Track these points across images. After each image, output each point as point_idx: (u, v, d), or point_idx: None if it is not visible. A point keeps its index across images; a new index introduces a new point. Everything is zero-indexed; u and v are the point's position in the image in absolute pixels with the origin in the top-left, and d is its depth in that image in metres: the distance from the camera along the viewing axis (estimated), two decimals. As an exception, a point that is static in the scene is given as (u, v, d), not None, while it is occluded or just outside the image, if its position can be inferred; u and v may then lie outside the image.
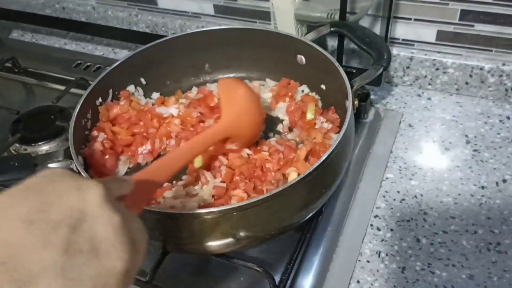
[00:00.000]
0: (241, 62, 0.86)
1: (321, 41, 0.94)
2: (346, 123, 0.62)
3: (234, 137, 0.71)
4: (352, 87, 0.67)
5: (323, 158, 0.57)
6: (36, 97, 1.01)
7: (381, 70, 0.71)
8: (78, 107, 0.71)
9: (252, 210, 0.55)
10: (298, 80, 0.82)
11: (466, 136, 0.81)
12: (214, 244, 0.58)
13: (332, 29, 0.80)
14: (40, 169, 0.62)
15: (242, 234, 0.58)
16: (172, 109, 0.79)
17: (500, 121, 0.83)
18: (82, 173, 0.61)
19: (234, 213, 0.55)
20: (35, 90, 1.03)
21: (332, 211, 0.71)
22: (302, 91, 0.81)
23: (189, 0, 1.03)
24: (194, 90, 0.86)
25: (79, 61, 1.06)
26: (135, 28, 1.11)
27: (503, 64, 0.83)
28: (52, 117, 0.89)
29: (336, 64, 0.71)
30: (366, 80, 0.70)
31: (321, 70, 0.75)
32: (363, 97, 0.83)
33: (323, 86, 0.78)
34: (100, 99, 0.77)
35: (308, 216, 0.64)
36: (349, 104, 0.65)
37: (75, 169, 0.62)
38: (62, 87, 0.94)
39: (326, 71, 0.73)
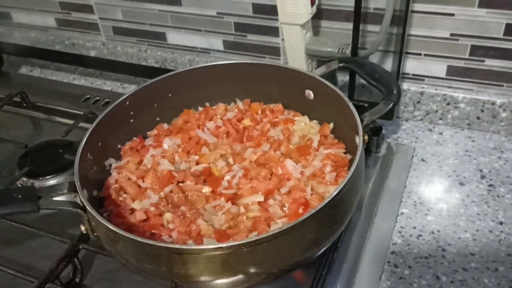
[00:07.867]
0: (248, 96, 0.86)
1: (330, 76, 0.94)
2: (357, 158, 0.61)
3: None
4: (362, 122, 0.67)
5: (334, 194, 0.56)
6: (44, 132, 1.00)
7: (391, 105, 0.70)
8: (85, 139, 0.70)
9: (262, 246, 0.54)
10: (305, 115, 0.82)
11: (481, 171, 0.80)
12: (222, 281, 0.57)
13: (340, 64, 0.80)
14: (44, 202, 0.61)
15: (252, 270, 0.56)
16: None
17: (514, 155, 0.82)
18: (87, 206, 0.59)
19: (244, 249, 0.53)
20: (43, 124, 1.02)
21: (347, 246, 0.69)
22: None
23: (198, 36, 1.04)
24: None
25: (87, 96, 1.06)
26: (144, 64, 1.11)
27: (515, 99, 0.83)
28: (61, 150, 0.88)
29: (346, 99, 0.70)
30: (376, 115, 0.69)
31: (330, 105, 0.75)
32: (375, 131, 0.82)
33: (331, 121, 0.78)
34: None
35: (321, 251, 0.62)
36: (359, 139, 0.64)
37: (79, 202, 0.61)
38: (71, 121, 0.93)
39: (335, 106, 0.73)
